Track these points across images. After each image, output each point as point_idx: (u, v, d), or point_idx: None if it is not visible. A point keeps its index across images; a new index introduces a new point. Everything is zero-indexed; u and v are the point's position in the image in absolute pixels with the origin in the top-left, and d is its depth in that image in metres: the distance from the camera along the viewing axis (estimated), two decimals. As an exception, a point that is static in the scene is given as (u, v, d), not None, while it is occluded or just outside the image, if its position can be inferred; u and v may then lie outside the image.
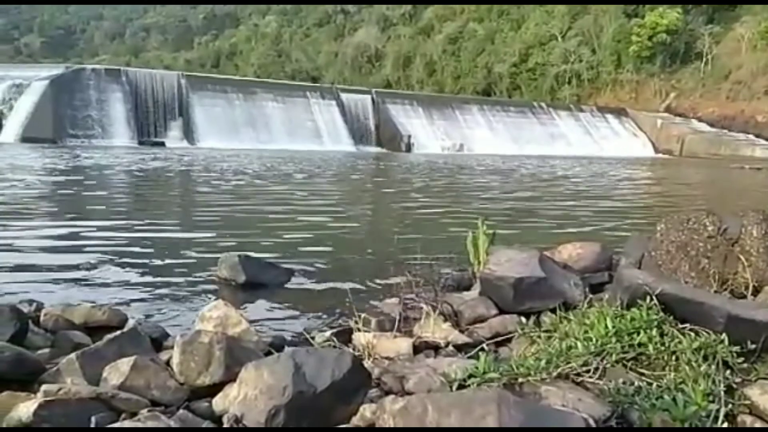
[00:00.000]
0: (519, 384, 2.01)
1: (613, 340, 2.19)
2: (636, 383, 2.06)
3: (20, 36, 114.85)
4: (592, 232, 7.10)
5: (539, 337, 2.53)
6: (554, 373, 2.04)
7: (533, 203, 10.85)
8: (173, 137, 31.10)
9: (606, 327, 2.25)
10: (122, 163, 17.80)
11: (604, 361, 2.15)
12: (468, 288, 3.91)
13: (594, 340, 2.21)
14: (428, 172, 19.19)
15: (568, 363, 2.11)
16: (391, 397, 1.64)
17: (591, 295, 2.90)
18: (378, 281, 4.37)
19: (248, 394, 1.76)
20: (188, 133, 31.66)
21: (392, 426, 1.51)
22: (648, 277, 2.54)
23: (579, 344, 2.16)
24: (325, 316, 3.55)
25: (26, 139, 26.36)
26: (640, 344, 2.20)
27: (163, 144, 29.82)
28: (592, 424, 1.66)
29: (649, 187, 16.88)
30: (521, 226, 7.51)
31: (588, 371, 2.11)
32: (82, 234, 6.05)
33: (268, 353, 2.48)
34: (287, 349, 2.03)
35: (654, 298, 2.40)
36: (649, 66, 55.73)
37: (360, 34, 76.70)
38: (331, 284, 4.31)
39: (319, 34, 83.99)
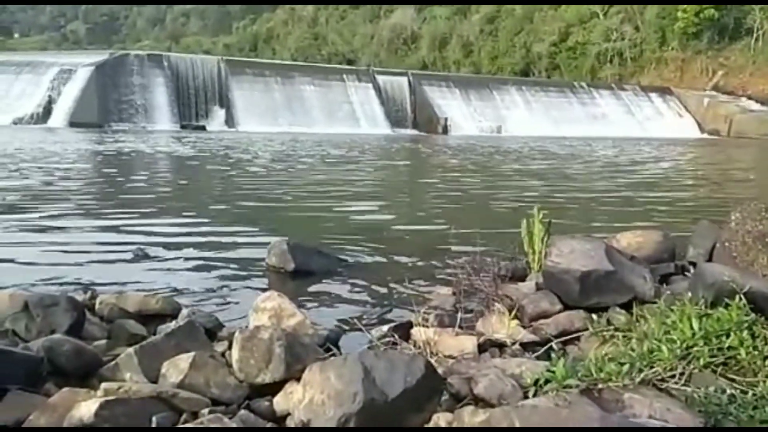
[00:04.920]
0: (598, 390, 1.87)
1: (701, 342, 2.02)
2: (728, 391, 1.90)
3: (66, 23, 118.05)
4: (644, 217, 6.82)
5: (612, 336, 2.37)
6: (637, 379, 1.89)
7: (578, 188, 10.52)
8: (214, 121, 31.47)
9: (691, 328, 2.08)
10: (166, 147, 18.08)
11: (691, 366, 1.98)
12: (522, 279, 3.75)
13: (678, 342, 2.05)
14: (467, 155, 18.88)
15: (652, 368, 1.95)
16: (470, 408, 1.52)
17: (667, 291, 2.71)
18: (428, 270, 4.26)
19: (314, 398, 1.67)
20: (228, 117, 31.98)
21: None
22: (733, 272, 2.35)
23: (663, 347, 2.00)
24: (377, 307, 3.46)
25: (74, 123, 27.08)
26: (729, 347, 2.03)
27: (204, 128, 30.20)
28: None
29: (699, 171, 16.21)
30: (568, 213, 7.25)
31: (673, 376, 1.96)
32: (129, 220, 6.11)
33: (327, 349, 2.40)
34: (354, 352, 1.93)
35: (742, 296, 2.21)
36: (696, 43, 53.38)
37: (396, 16, 75.80)
38: (379, 272, 4.21)
39: (355, 16, 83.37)
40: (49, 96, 28.50)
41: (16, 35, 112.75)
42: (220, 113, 32.01)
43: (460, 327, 2.59)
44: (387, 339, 2.51)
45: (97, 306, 3.02)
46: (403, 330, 2.60)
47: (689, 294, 2.33)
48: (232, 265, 4.37)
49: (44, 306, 2.50)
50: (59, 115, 27.95)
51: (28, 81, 29.12)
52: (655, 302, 2.63)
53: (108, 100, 29.00)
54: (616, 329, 2.42)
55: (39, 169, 10.51)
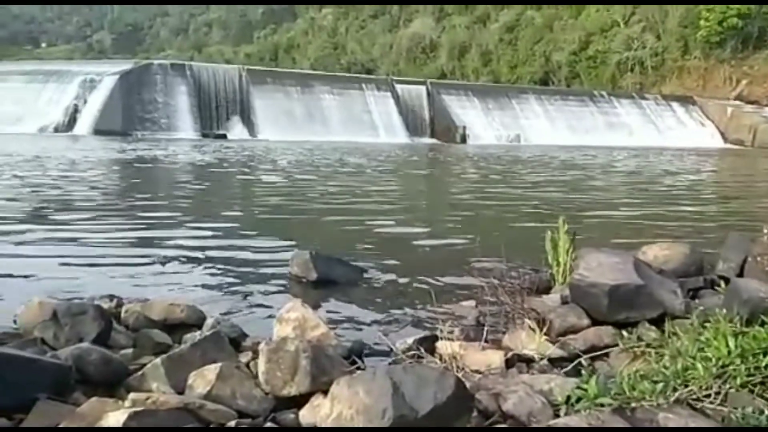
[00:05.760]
0: (631, 409, 1.82)
1: (738, 361, 1.96)
2: (766, 411, 1.84)
3: (92, 33, 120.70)
4: (668, 229, 6.69)
5: (643, 352, 2.32)
6: (671, 398, 1.84)
7: (600, 198, 10.40)
8: (234, 130, 31.76)
9: (727, 346, 2.02)
10: (187, 156, 18.29)
11: (727, 385, 1.93)
12: (546, 291, 3.70)
13: (713, 360, 1.99)
14: (487, 164, 18.80)
15: (686, 386, 1.90)
16: (502, 426, 1.49)
17: (699, 306, 2.64)
18: (450, 282, 4.22)
19: (343, 413, 1.65)
20: (249, 126, 32.28)
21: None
22: (769, 289, 2.29)
23: (699, 365, 1.95)
24: (399, 318, 3.43)
25: (98, 131, 27.57)
26: (767, 367, 1.97)
27: (224, 136, 30.51)
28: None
29: (723, 182, 15.94)
30: (591, 224, 7.16)
31: (708, 396, 1.90)
32: (152, 228, 6.17)
33: (352, 362, 2.39)
34: (382, 366, 1.91)
35: (779, 313, 2.16)
36: (719, 52, 52.61)
37: (415, 25, 76.15)
38: (401, 283, 4.18)
39: (374, 25, 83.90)
40: (75, 104, 29.06)
41: (44, 44, 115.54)
42: (240, 122, 32.33)
43: (486, 341, 2.55)
44: (412, 352, 2.48)
45: (122, 314, 3.04)
46: (428, 343, 2.57)
47: (723, 310, 2.27)
48: (254, 274, 4.38)
49: (72, 314, 2.52)
50: (84, 123, 28.46)
51: (55, 89, 29.74)
52: (686, 317, 2.57)
53: (132, 109, 29.50)
54: (647, 345, 2.37)
55: (63, 177, 10.68)
